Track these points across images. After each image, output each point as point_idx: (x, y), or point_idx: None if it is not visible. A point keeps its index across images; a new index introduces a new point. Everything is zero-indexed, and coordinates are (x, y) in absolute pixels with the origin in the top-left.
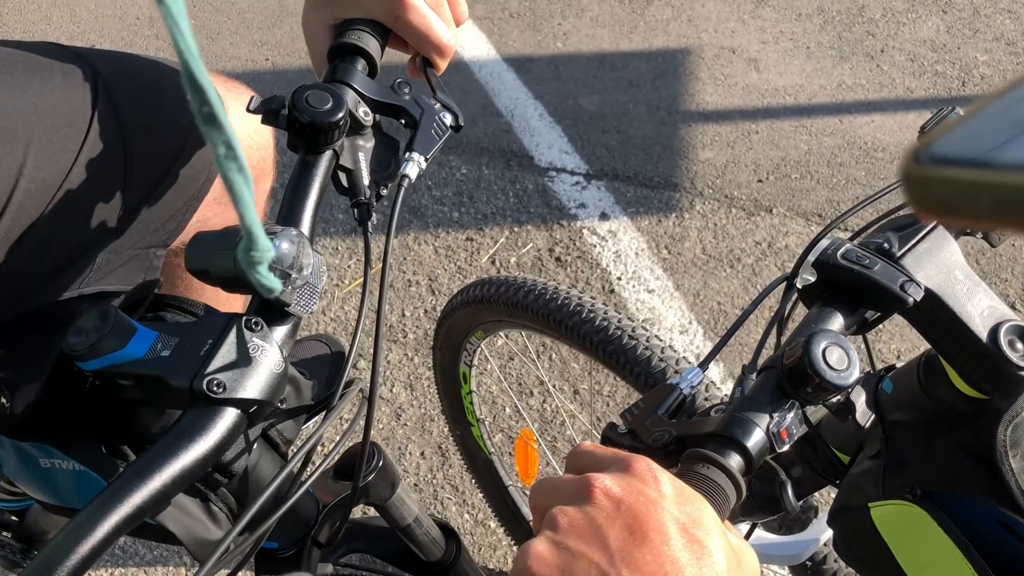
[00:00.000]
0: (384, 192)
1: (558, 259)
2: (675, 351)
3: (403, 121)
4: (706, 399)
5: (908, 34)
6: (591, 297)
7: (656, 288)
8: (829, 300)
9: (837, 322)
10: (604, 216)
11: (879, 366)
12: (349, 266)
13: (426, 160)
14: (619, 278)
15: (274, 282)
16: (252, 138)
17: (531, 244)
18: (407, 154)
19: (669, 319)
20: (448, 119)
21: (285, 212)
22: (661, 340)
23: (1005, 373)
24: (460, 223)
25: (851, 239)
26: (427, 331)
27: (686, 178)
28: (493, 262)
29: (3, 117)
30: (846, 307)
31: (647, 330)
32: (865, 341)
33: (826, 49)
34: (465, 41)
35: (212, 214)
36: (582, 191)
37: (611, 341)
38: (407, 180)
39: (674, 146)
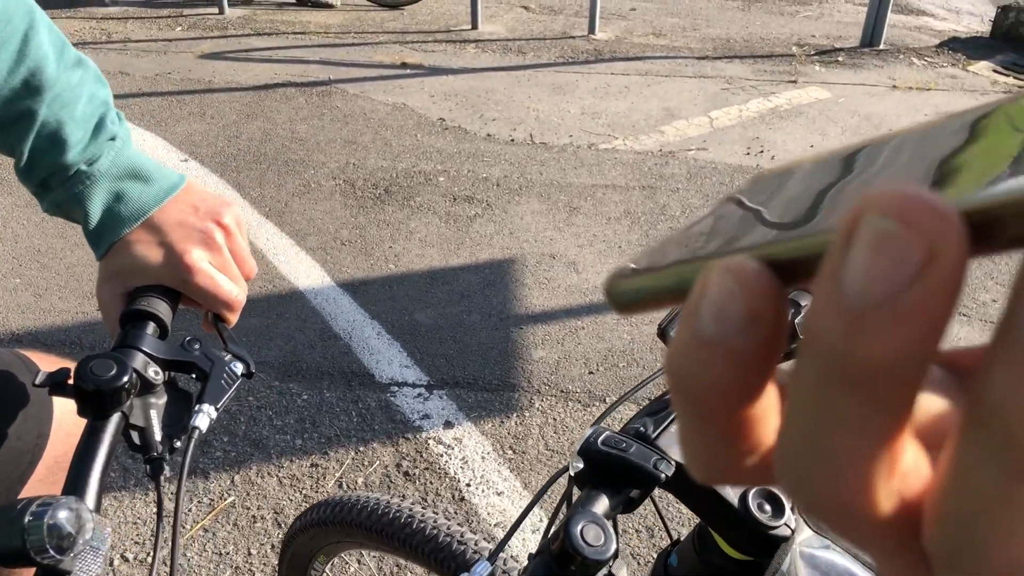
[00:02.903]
0: (178, 444)
1: (406, 474)
2: (505, 552)
3: (194, 375)
4: None
5: None
6: (422, 507)
7: (505, 490)
8: (596, 484)
9: (603, 504)
10: (448, 424)
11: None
12: (190, 510)
13: (216, 409)
14: (468, 484)
15: None
16: None
17: (378, 462)
18: (197, 406)
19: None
20: (239, 368)
21: (70, 481)
22: (489, 542)
23: (759, 534)
24: (304, 450)
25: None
26: (276, 568)
27: (523, 378)
28: (340, 485)
29: None
30: (611, 489)
31: (475, 534)
32: (659, 514)
33: (636, 247)
34: (299, 271)
35: (36, 494)
36: (425, 402)
37: (441, 550)
38: (197, 431)
39: (509, 349)
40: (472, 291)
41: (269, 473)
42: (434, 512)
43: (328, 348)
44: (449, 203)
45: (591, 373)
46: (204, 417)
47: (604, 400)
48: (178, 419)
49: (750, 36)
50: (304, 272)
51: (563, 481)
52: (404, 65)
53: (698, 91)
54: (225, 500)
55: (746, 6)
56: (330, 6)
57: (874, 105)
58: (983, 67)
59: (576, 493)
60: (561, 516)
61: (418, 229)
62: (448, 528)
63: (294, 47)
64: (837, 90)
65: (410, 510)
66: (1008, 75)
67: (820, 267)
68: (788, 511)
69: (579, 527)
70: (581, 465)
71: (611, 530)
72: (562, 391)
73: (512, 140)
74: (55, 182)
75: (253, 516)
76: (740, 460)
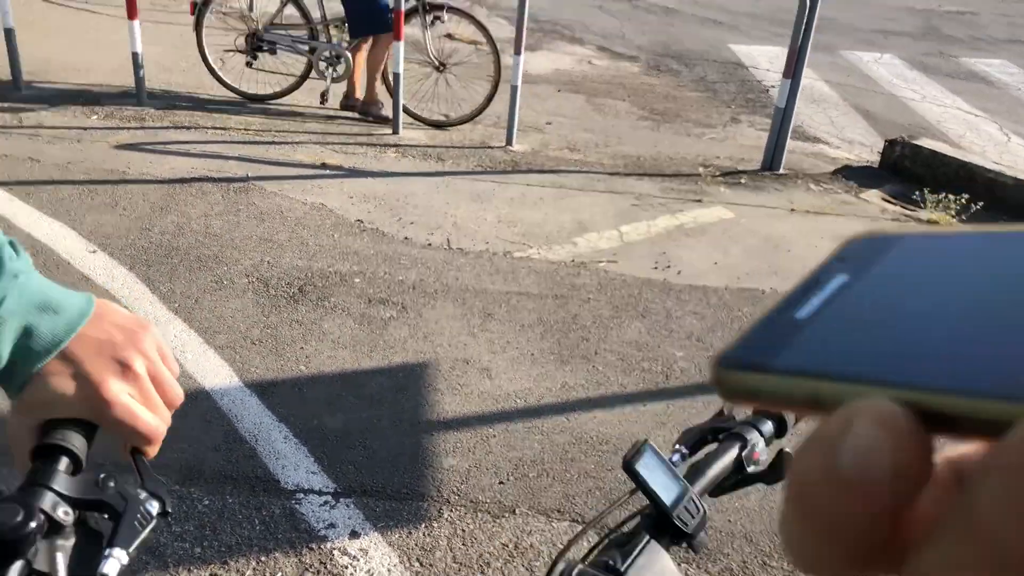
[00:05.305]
0: None
1: None
2: None
3: (106, 515)
4: None
5: (616, 337)
6: None
7: None
8: None
9: None
10: (354, 534)
11: None
12: None
13: (128, 554)
14: None
15: None
16: None
17: (280, 573)
18: (107, 550)
19: None
20: (155, 507)
21: None
22: None
23: None
24: (203, 559)
25: (583, 560)
26: None
27: (432, 487)
28: None
29: None
30: None
31: None
32: None
33: (548, 355)
34: (206, 370)
35: None
36: (331, 510)
37: None
38: None
39: (419, 456)
40: (384, 396)
41: None
42: None
43: (232, 451)
44: (364, 305)
45: (501, 483)
46: (114, 563)
47: (514, 511)
48: (87, 562)
49: (659, 155)
50: (211, 371)
51: None
52: (324, 165)
53: (609, 205)
54: None
55: (656, 126)
56: (387, 119)
57: (774, 227)
58: (873, 195)
59: None
60: None
61: (331, 330)
62: None
63: (213, 142)
64: (740, 211)
65: None
66: (896, 204)
67: (983, 432)
68: None
69: None
70: None
71: None
72: (471, 501)
73: (429, 244)
74: None
75: None
76: (846, 565)
